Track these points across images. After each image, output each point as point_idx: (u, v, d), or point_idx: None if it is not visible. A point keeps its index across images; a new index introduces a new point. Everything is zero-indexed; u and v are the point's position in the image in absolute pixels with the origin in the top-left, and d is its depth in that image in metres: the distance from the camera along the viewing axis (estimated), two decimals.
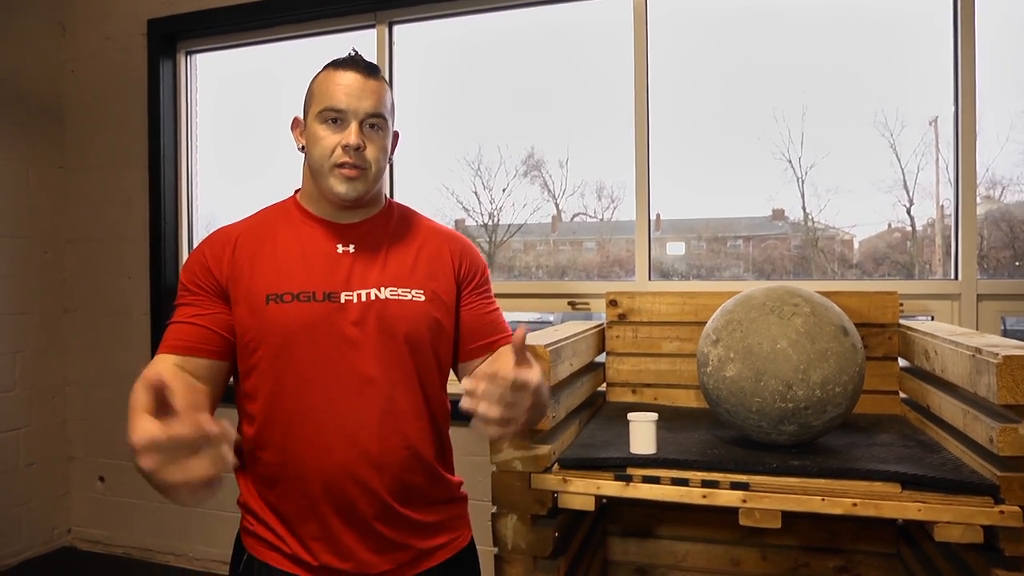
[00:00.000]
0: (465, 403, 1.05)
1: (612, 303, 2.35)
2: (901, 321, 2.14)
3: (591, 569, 2.16)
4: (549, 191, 3.17)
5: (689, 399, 2.27)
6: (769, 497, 1.51)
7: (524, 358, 1.11)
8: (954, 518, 1.41)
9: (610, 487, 1.62)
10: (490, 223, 3.27)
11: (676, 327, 2.29)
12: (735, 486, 1.54)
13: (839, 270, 2.80)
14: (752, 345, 1.64)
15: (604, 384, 2.37)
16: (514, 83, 3.10)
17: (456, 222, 3.29)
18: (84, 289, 3.65)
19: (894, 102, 2.60)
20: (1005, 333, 2.47)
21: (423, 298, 1.39)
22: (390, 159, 1.44)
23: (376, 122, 1.36)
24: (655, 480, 1.59)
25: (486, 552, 1.70)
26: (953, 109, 2.49)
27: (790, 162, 2.73)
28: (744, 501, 1.52)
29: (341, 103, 1.32)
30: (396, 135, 1.48)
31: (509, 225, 3.24)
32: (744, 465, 1.57)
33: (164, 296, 3.42)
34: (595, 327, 2.29)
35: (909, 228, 2.68)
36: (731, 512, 1.54)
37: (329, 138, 1.33)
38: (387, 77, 3.16)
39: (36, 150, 3.56)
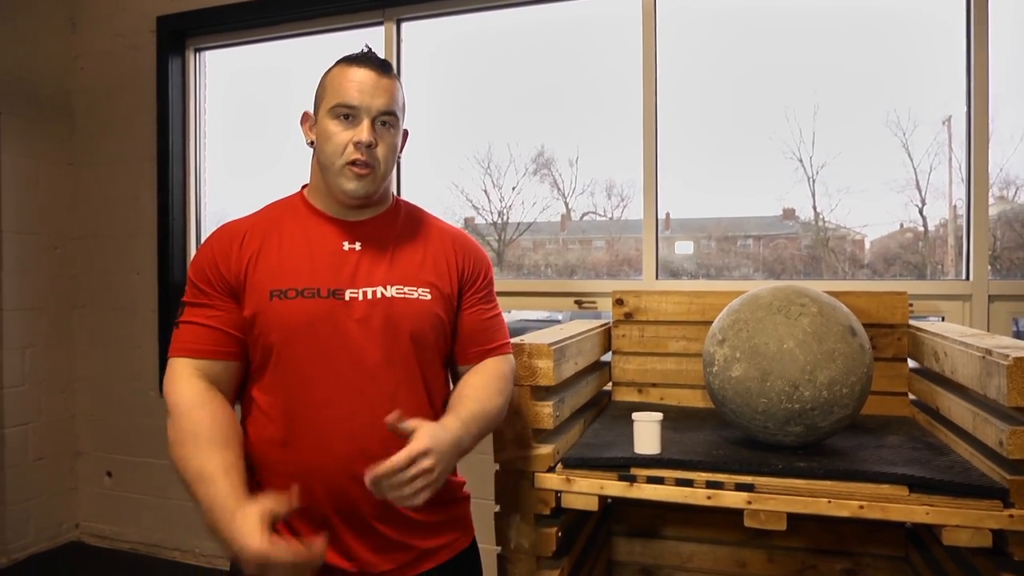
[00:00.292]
0: (377, 495, 1.16)
1: (618, 302, 2.33)
2: (911, 322, 2.12)
3: (595, 569, 2.15)
4: (559, 189, 3.16)
5: (695, 399, 2.25)
6: (774, 499, 1.49)
7: (403, 433, 1.18)
8: (963, 522, 1.39)
9: (614, 487, 1.60)
10: (499, 221, 3.26)
11: (683, 326, 2.27)
12: (740, 487, 1.52)
13: (850, 270, 2.78)
14: (758, 345, 1.62)
15: (610, 383, 2.35)
16: (523, 81, 3.08)
17: (466, 220, 3.28)
18: (93, 285, 3.67)
19: (907, 101, 2.57)
20: (1017, 334, 2.44)
21: (429, 297, 1.38)
22: (399, 157, 1.44)
23: (388, 120, 1.35)
24: (659, 481, 1.58)
25: (489, 551, 1.69)
26: (966, 109, 2.46)
27: (801, 161, 2.71)
28: (749, 503, 1.50)
29: (354, 99, 1.31)
30: (406, 133, 1.48)
31: (518, 223, 3.23)
32: (749, 466, 1.56)
33: (172, 292, 3.43)
34: (601, 326, 2.28)
35: (921, 228, 2.65)
36: (737, 513, 1.53)
37: (341, 134, 1.32)
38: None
39: (46, 146, 3.57)
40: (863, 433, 1.84)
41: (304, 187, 1.46)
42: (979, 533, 1.38)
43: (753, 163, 2.77)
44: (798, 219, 2.82)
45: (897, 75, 2.59)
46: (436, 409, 1.40)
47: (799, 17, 2.67)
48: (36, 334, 3.52)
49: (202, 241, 1.45)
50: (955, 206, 2.56)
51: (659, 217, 2.79)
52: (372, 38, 3.16)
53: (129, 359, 3.56)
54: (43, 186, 3.56)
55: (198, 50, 3.58)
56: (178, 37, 3.51)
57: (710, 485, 1.54)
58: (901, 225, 2.69)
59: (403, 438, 1.17)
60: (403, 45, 3.20)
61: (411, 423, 1.19)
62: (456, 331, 1.46)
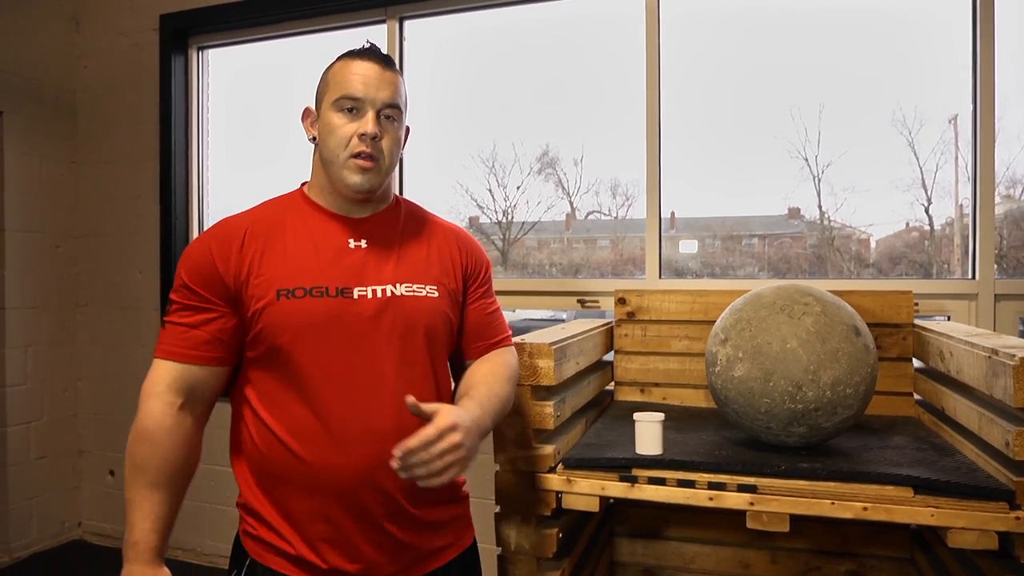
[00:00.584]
0: (403, 476, 1.15)
1: (621, 301, 2.32)
2: (916, 321, 2.10)
3: (597, 570, 2.14)
4: (563, 189, 3.15)
5: (698, 399, 2.23)
6: (777, 500, 1.48)
7: (425, 414, 1.17)
8: (968, 524, 1.38)
9: (615, 488, 1.59)
10: (504, 220, 3.25)
11: (685, 326, 2.25)
12: (742, 488, 1.50)
13: (855, 269, 2.76)
14: (761, 345, 1.60)
15: (612, 383, 2.34)
16: (528, 80, 3.07)
17: (470, 219, 3.27)
18: (95, 284, 3.67)
19: (913, 100, 2.55)
20: (1023, 334, 2.42)
21: (437, 294, 1.37)
22: (401, 153, 1.42)
23: (392, 113, 1.34)
24: (661, 482, 1.57)
25: (489, 552, 1.68)
26: (972, 107, 2.44)
27: (806, 160, 2.70)
28: (751, 504, 1.49)
29: (359, 92, 1.30)
30: (408, 129, 1.46)
31: (523, 223, 3.22)
32: (752, 467, 1.54)
33: None
34: (603, 325, 2.27)
35: (927, 227, 2.63)
36: (740, 514, 1.51)
37: (345, 127, 1.30)
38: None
39: (49, 145, 3.57)
40: (867, 434, 1.82)
41: (304, 184, 1.44)
42: (985, 535, 1.37)
43: (758, 162, 2.75)
44: (803, 218, 2.81)
45: (903, 73, 2.57)
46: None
47: (804, 16, 2.66)
48: (39, 333, 3.52)
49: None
50: (961, 205, 2.54)
51: (664, 216, 2.78)
52: (375, 36, 3.15)
53: (131, 358, 3.55)
54: (46, 184, 3.56)
55: (201, 48, 3.58)
56: (181, 35, 3.51)
57: (712, 486, 1.53)
58: (907, 224, 2.67)
59: (425, 420, 1.17)
60: (406, 43, 3.19)
61: (431, 405, 1.19)
62: (461, 326, 1.46)
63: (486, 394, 1.34)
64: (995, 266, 2.39)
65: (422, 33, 3.20)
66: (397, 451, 1.12)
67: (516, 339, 1.66)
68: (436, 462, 1.14)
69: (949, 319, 2.43)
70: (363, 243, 1.35)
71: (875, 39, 2.58)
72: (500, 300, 1.57)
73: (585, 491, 1.61)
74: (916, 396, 2.09)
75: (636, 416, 1.64)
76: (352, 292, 1.30)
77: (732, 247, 2.92)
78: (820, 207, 2.75)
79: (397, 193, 1.54)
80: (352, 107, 1.31)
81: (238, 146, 3.60)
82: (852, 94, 2.62)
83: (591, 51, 2.97)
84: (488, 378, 1.40)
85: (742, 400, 1.63)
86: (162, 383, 1.27)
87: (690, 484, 1.55)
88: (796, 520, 1.48)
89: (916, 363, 2.10)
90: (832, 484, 1.48)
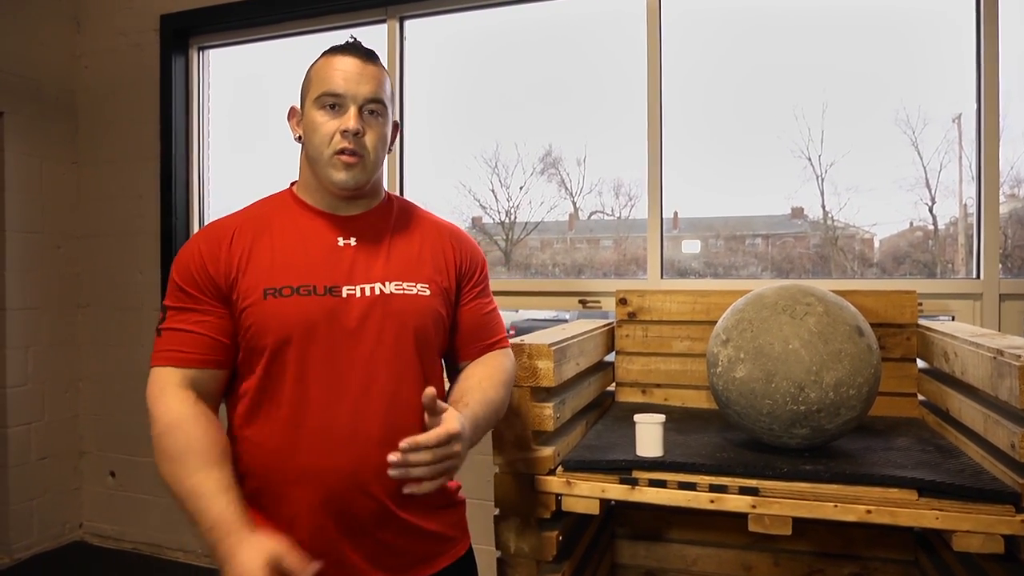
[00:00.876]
0: (394, 473, 1.12)
1: (622, 301, 2.30)
2: (920, 321, 2.08)
3: (598, 573, 2.12)
4: (566, 189, 3.13)
5: (700, 400, 2.22)
6: (779, 503, 1.46)
7: (436, 410, 1.16)
8: (973, 527, 1.36)
9: (615, 491, 1.58)
10: (507, 221, 3.24)
11: (687, 326, 2.24)
12: (744, 491, 1.49)
13: (859, 269, 2.74)
14: (763, 345, 1.59)
15: (613, 384, 2.33)
16: (530, 79, 3.06)
17: (473, 219, 3.26)
18: (96, 284, 3.66)
19: (916, 99, 2.54)
20: None
21: (428, 292, 1.35)
22: (390, 149, 1.39)
23: (375, 108, 1.31)
24: (661, 484, 1.55)
25: (489, 554, 1.67)
26: (976, 106, 2.42)
27: (809, 160, 2.68)
28: (753, 507, 1.48)
29: (339, 87, 1.28)
30: (396, 125, 1.43)
31: (526, 223, 3.20)
32: (754, 469, 1.53)
33: None
34: (604, 326, 2.25)
35: (931, 227, 2.61)
36: (742, 516, 1.50)
37: (327, 124, 1.29)
38: (398, 73, 3.15)
39: (49, 145, 3.57)
40: (871, 435, 1.81)
41: (293, 184, 1.43)
42: (990, 539, 1.35)
43: (761, 162, 2.73)
44: (807, 218, 2.79)
45: (906, 73, 2.55)
46: None
47: (806, 15, 2.64)
48: (39, 333, 3.51)
49: None
50: (965, 204, 2.52)
51: (666, 216, 2.77)
52: (375, 36, 3.14)
53: (132, 358, 3.55)
54: (46, 185, 3.55)
55: (201, 48, 3.57)
56: (181, 35, 3.50)
57: (713, 489, 1.51)
58: (911, 224, 2.66)
59: (431, 417, 1.17)
60: (406, 43, 3.18)
61: (443, 404, 1.18)
62: (456, 327, 1.43)
63: (480, 400, 1.32)
64: (1000, 266, 2.36)
65: (423, 33, 3.19)
66: (404, 444, 1.10)
67: (515, 340, 1.65)
68: (435, 466, 1.13)
69: (953, 319, 2.41)
70: (352, 241, 1.34)
71: (878, 38, 2.57)
72: (502, 300, 1.55)
73: (585, 494, 1.60)
74: (920, 397, 2.07)
75: (636, 418, 1.62)
76: (341, 291, 1.28)
77: (735, 247, 2.90)
78: (823, 207, 2.73)
79: (391, 192, 1.51)
80: (334, 103, 1.29)
81: (239, 145, 3.59)
82: (855, 93, 2.60)
83: (592, 50, 2.96)
84: (483, 383, 1.37)
85: (744, 401, 1.61)
86: (170, 384, 1.24)
87: (691, 487, 1.53)
88: (799, 522, 1.47)
89: (920, 363, 2.08)
90: (835, 486, 1.46)
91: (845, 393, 1.54)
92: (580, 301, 2.82)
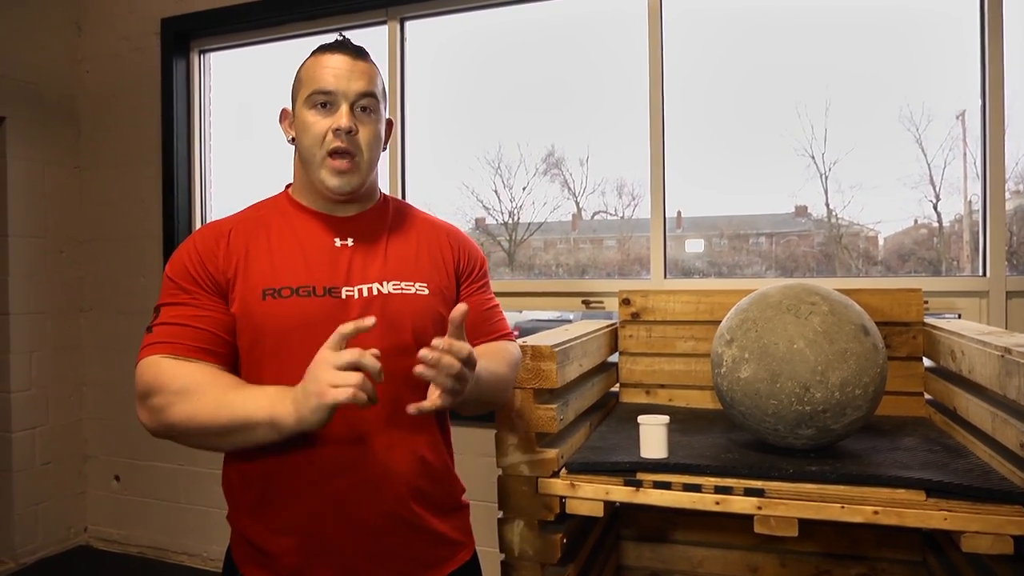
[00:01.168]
0: (419, 370, 1.08)
1: (625, 302, 2.29)
2: (926, 319, 2.07)
3: (604, 575, 2.11)
4: (569, 189, 3.12)
5: (705, 400, 2.20)
6: (785, 504, 1.45)
7: (457, 335, 1.13)
8: (982, 528, 1.34)
9: (619, 493, 1.56)
10: (510, 221, 3.23)
11: (691, 326, 2.22)
12: (749, 492, 1.47)
13: (864, 267, 2.73)
14: (768, 345, 1.57)
15: (617, 385, 2.31)
16: (532, 80, 3.05)
17: (476, 220, 3.25)
18: (99, 288, 3.66)
19: (920, 96, 2.52)
20: None
21: (427, 291, 1.33)
22: (385, 147, 1.38)
23: (368, 104, 1.29)
24: (666, 486, 1.54)
25: (493, 556, 1.66)
26: (981, 103, 2.40)
27: (813, 158, 2.67)
28: (759, 508, 1.46)
29: (330, 85, 1.26)
30: (390, 123, 1.41)
31: (529, 223, 3.20)
32: (759, 470, 1.51)
33: None
34: (607, 326, 2.24)
35: (936, 224, 2.60)
36: (748, 517, 1.48)
37: (319, 123, 1.26)
38: (399, 75, 3.14)
39: (51, 150, 3.57)
40: (877, 435, 1.79)
41: (288, 186, 1.41)
42: (1000, 540, 1.33)
43: (764, 160, 2.72)
44: (811, 216, 2.77)
45: (910, 70, 2.54)
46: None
47: (808, 13, 2.63)
48: (43, 338, 3.52)
49: None
50: (970, 201, 2.50)
51: (670, 216, 2.76)
52: (376, 38, 3.14)
53: (136, 362, 3.53)
54: (49, 190, 3.56)
55: (202, 52, 3.57)
56: (182, 39, 3.50)
57: (718, 490, 1.50)
58: (915, 221, 2.64)
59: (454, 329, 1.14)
60: (407, 44, 3.17)
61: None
62: None
63: (485, 366, 1.27)
64: (1006, 263, 2.35)
65: (423, 34, 3.18)
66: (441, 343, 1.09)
67: (518, 341, 1.63)
68: (453, 369, 1.10)
69: (960, 317, 2.39)
70: (349, 242, 1.32)
71: (880, 36, 2.55)
72: (506, 301, 1.54)
73: (589, 496, 1.58)
74: (927, 396, 2.05)
75: (640, 419, 1.61)
76: (340, 292, 1.26)
77: (739, 246, 2.89)
78: (827, 205, 2.72)
79: (392, 193, 1.50)
80: (325, 102, 1.27)
81: (241, 149, 3.59)
82: (858, 91, 2.59)
83: (594, 50, 2.95)
84: (488, 355, 1.34)
85: (748, 402, 1.60)
86: (164, 361, 1.19)
87: (696, 488, 1.52)
88: (805, 523, 1.45)
89: (927, 362, 2.06)
90: (842, 487, 1.45)
91: (851, 393, 1.53)
92: (583, 302, 2.81)
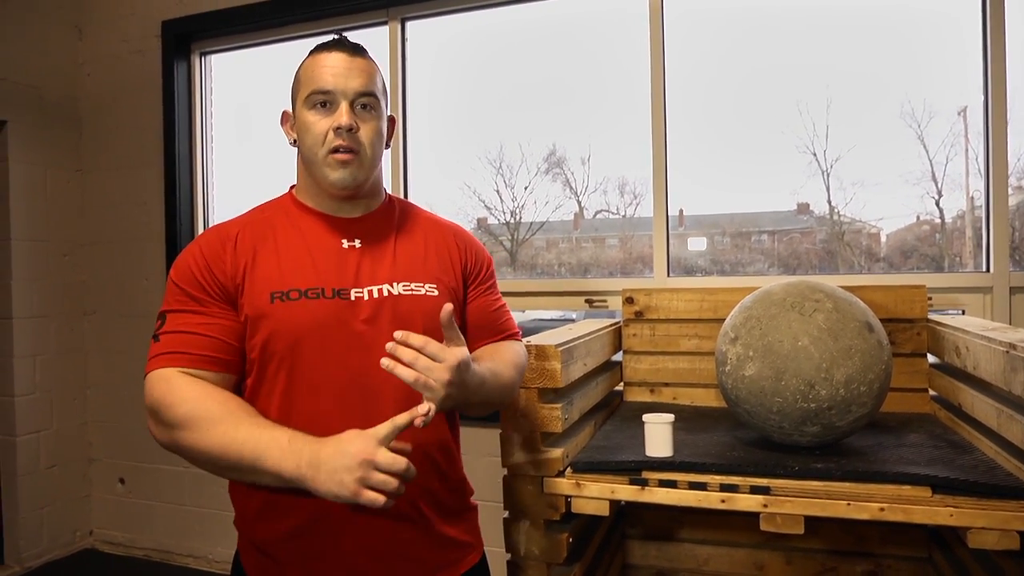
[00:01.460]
0: (385, 363, 1.08)
1: (629, 300, 2.29)
2: (930, 316, 2.06)
3: (610, 574, 2.11)
4: (571, 188, 3.12)
5: (709, 398, 2.20)
6: (791, 502, 1.45)
7: (450, 335, 1.13)
8: (989, 524, 1.34)
9: (625, 491, 1.56)
10: (512, 221, 3.23)
11: (695, 324, 2.22)
12: (755, 490, 1.47)
13: (866, 264, 2.73)
14: (772, 343, 1.57)
15: (621, 383, 2.31)
16: (532, 79, 3.05)
17: (478, 220, 3.25)
18: (103, 292, 3.67)
19: (921, 92, 2.52)
20: None
21: (436, 292, 1.32)
22: (388, 145, 1.37)
23: (367, 102, 1.28)
24: (671, 484, 1.54)
25: (500, 556, 1.66)
26: (983, 98, 2.40)
27: (815, 155, 2.67)
28: (765, 506, 1.46)
29: (328, 84, 1.25)
30: (392, 120, 1.40)
31: (531, 223, 3.20)
32: (765, 468, 1.51)
33: None
34: (611, 325, 2.24)
35: (938, 220, 2.60)
36: (752, 516, 1.48)
37: (319, 123, 1.25)
38: (401, 75, 3.14)
39: (53, 153, 3.57)
40: (882, 432, 1.79)
41: (292, 187, 1.40)
42: (1006, 535, 1.33)
43: (766, 158, 2.72)
44: (813, 213, 2.77)
45: (911, 66, 2.54)
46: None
47: (809, 11, 2.63)
48: (47, 341, 3.52)
49: None
50: (972, 197, 2.50)
51: (672, 214, 2.76)
52: (377, 38, 3.14)
53: (140, 365, 3.47)
54: (51, 193, 3.56)
55: (203, 54, 3.57)
56: (183, 41, 3.50)
57: (724, 488, 1.50)
58: (917, 217, 2.64)
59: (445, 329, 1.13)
60: (408, 45, 3.17)
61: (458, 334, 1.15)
62: (465, 324, 1.40)
63: (489, 367, 1.26)
64: (1009, 259, 2.35)
65: (424, 34, 3.18)
66: (416, 341, 1.08)
67: (523, 341, 1.63)
68: (432, 372, 1.08)
69: (964, 313, 2.39)
70: (357, 243, 1.31)
71: (881, 32, 2.55)
72: (509, 301, 1.53)
73: (595, 495, 1.58)
74: (931, 392, 2.05)
75: (645, 418, 1.61)
76: (349, 293, 1.25)
77: (741, 244, 2.89)
78: (829, 202, 2.72)
79: (394, 194, 1.49)
80: (324, 101, 1.26)
81: (243, 150, 3.60)
82: (860, 88, 2.59)
83: (595, 49, 2.95)
84: (494, 356, 1.33)
85: (753, 400, 1.60)
86: (175, 376, 1.17)
87: (702, 486, 1.52)
88: (811, 520, 1.45)
89: (931, 358, 2.06)
90: (847, 484, 1.45)
91: (856, 390, 1.52)
92: (586, 301, 2.81)
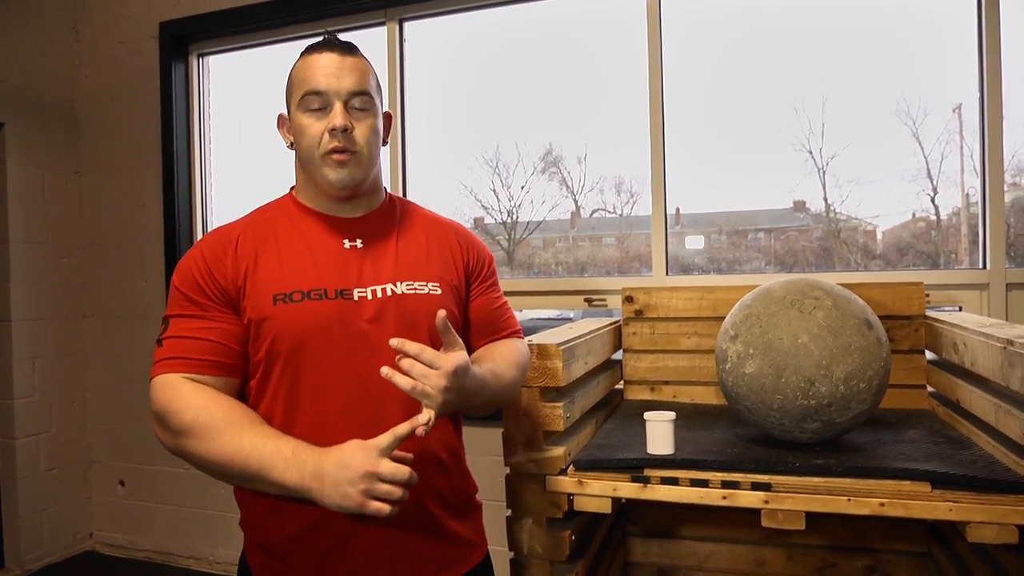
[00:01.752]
0: (385, 371, 1.09)
1: (628, 299, 2.30)
2: (927, 312, 2.08)
3: (611, 571, 2.12)
4: (567, 187, 3.13)
5: (709, 396, 2.22)
6: (792, 498, 1.46)
7: (447, 340, 1.14)
8: (987, 518, 1.36)
9: (627, 489, 1.57)
10: (509, 220, 3.23)
11: (694, 323, 2.24)
12: (756, 487, 1.49)
13: (862, 261, 2.74)
14: (772, 340, 1.59)
15: (621, 382, 2.33)
16: (529, 79, 3.06)
17: (475, 220, 3.26)
18: (101, 293, 3.67)
19: (916, 90, 2.53)
20: None
21: (439, 291, 1.32)
22: (385, 142, 1.36)
23: (362, 101, 1.27)
24: (673, 481, 1.55)
25: (502, 555, 1.67)
26: (979, 94, 2.42)
27: (811, 153, 2.68)
28: (766, 502, 1.47)
29: (320, 84, 1.24)
30: (388, 117, 1.39)
31: (528, 222, 3.20)
32: (766, 465, 1.52)
33: None
34: (611, 324, 2.25)
35: (933, 217, 2.61)
36: (755, 512, 1.49)
37: (314, 125, 1.25)
38: (399, 76, 3.15)
39: (51, 156, 3.57)
40: (881, 428, 1.80)
41: (292, 188, 1.40)
42: (1005, 529, 1.35)
43: (762, 156, 2.74)
44: (809, 211, 2.79)
45: (905, 64, 2.55)
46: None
47: (805, 10, 2.64)
48: (45, 344, 3.52)
49: None
50: (967, 194, 2.52)
51: (669, 212, 2.76)
52: (375, 39, 3.15)
53: (139, 367, 3.55)
54: (49, 195, 3.56)
55: (201, 55, 3.57)
56: (181, 42, 3.51)
57: (726, 485, 1.51)
58: (913, 214, 2.65)
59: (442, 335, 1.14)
60: (406, 45, 3.18)
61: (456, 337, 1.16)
62: (467, 322, 1.41)
63: (490, 368, 1.28)
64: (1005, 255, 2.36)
65: (422, 35, 3.19)
66: (412, 349, 1.10)
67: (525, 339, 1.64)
68: (429, 379, 1.10)
69: (960, 310, 2.40)
70: (359, 243, 1.31)
71: (876, 30, 2.56)
72: (509, 301, 1.54)
73: (597, 493, 1.59)
74: (929, 388, 2.07)
75: (647, 415, 1.62)
76: (352, 293, 1.25)
77: (738, 242, 2.90)
78: (825, 199, 2.73)
79: (393, 193, 1.49)
80: (318, 103, 1.25)
81: (241, 152, 3.60)
82: (855, 86, 2.60)
83: (592, 48, 2.96)
84: (495, 356, 1.34)
85: (754, 397, 1.61)
86: (180, 383, 1.18)
87: (703, 483, 1.53)
88: (811, 516, 1.46)
89: (929, 355, 2.08)
90: (848, 480, 1.46)
91: (855, 386, 1.54)
92: (586, 300, 2.82)
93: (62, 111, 3.63)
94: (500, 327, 1.45)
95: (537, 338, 1.76)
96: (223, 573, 3.39)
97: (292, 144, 1.34)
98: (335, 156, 1.25)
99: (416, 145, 3.20)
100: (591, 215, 3.14)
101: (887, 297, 2.08)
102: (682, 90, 2.76)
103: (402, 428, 1.10)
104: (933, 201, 2.59)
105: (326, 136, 1.25)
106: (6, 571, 3.36)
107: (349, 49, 1.29)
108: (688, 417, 1.99)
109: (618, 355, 2.33)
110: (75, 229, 3.68)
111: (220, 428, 1.14)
